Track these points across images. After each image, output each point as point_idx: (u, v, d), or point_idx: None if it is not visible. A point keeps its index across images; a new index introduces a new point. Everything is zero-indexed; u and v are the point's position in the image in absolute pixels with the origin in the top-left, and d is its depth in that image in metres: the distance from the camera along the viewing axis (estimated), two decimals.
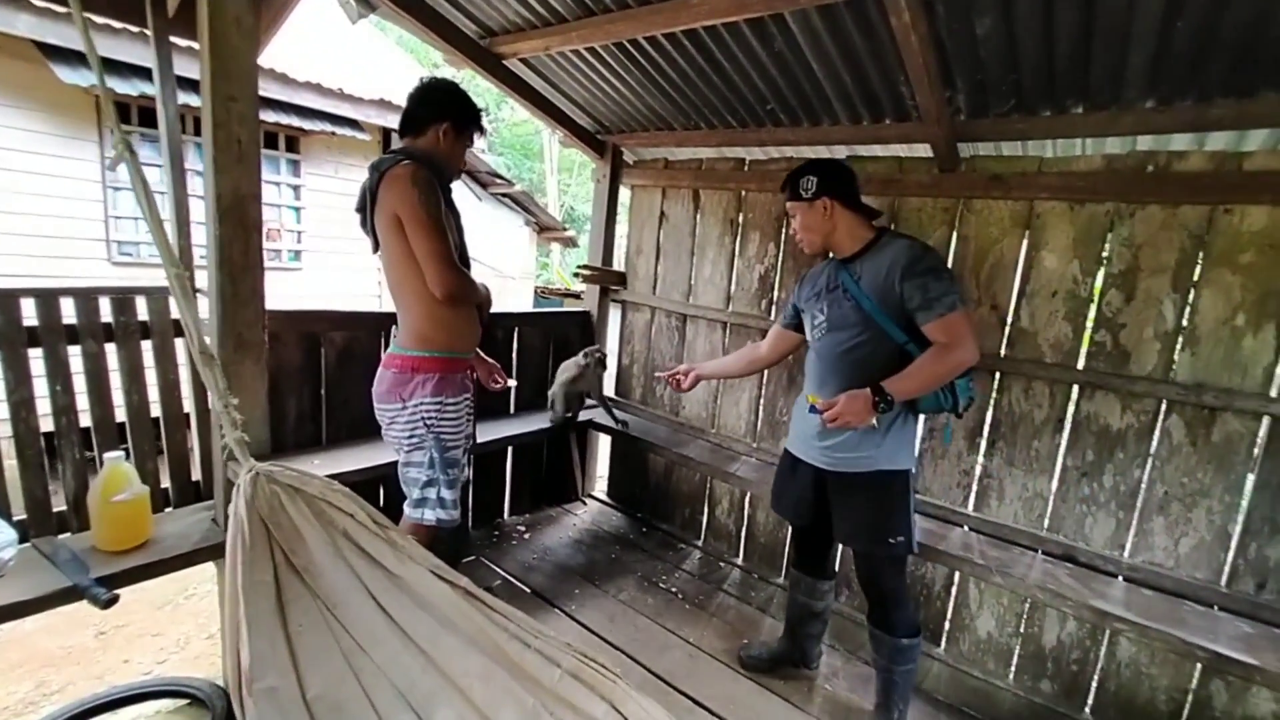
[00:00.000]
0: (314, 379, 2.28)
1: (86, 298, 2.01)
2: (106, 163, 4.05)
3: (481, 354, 2.16)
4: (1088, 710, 2.10)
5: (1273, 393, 1.76)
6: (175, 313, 2.25)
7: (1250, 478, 1.82)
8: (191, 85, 2.51)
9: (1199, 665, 1.88)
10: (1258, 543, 1.81)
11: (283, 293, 4.89)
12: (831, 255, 1.83)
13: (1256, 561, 1.81)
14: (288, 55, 4.54)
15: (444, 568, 1.29)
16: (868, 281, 1.68)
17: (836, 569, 2.10)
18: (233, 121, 1.73)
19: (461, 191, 1.97)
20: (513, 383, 2.29)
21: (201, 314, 2.15)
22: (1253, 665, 1.55)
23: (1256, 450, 1.81)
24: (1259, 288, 1.76)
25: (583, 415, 3.01)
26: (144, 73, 3.71)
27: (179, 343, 2.18)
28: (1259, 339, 1.77)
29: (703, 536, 3.12)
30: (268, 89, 4.34)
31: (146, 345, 2.13)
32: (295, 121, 4.63)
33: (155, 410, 2.19)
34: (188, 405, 2.25)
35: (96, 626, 2.30)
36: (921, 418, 1.86)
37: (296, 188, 5.14)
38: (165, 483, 2.20)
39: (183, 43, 2.16)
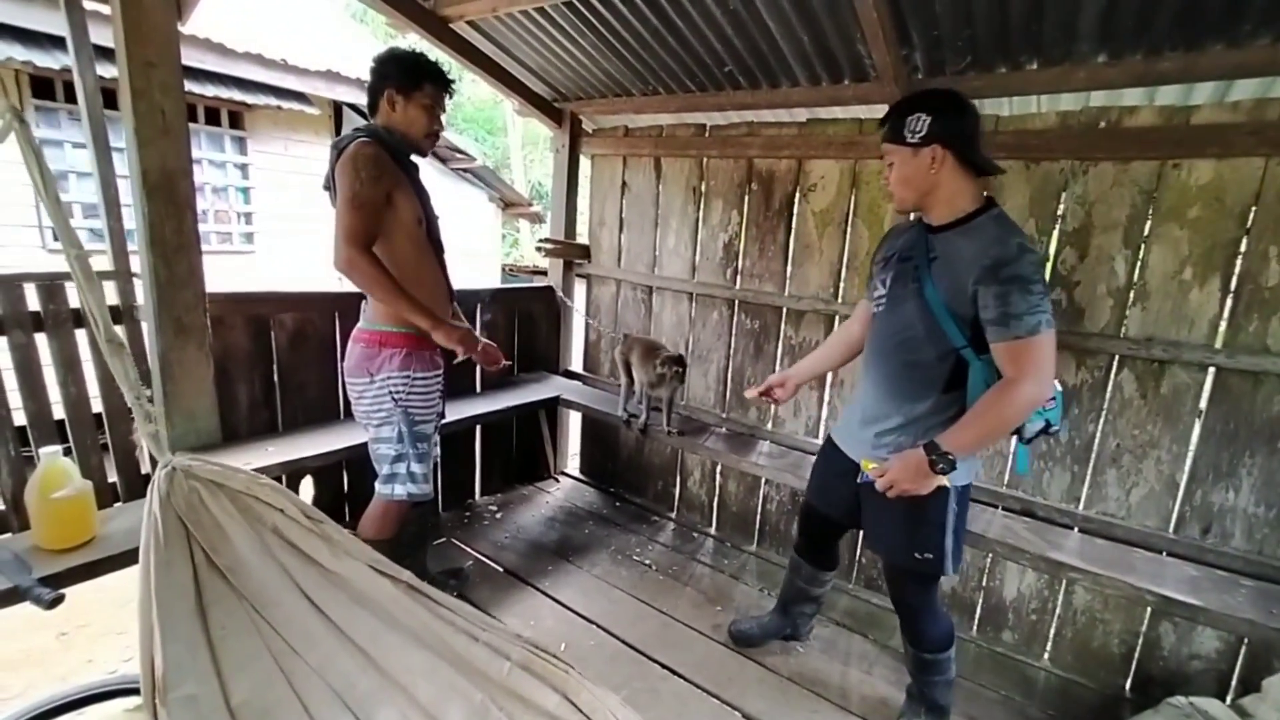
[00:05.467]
0: (265, 364, 2.20)
1: (10, 285, 1.89)
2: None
3: (479, 336, 2.21)
4: (1046, 657, 2.19)
5: (1217, 344, 1.81)
6: (115, 298, 2.16)
7: (1196, 427, 1.88)
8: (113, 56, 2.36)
9: (1149, 609, 1.96)
10: (1203, 490, 1.88)
11: (236, 277, 4.72)
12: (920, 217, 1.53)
13: (1202, 508, 1.88)
14: (225, 25, 4.28)
15: (384, 562, 1.23)
16: (941, 267, 1.40)
17: (839, 558, 2.03)
18: (154, 90, 1.63)
19: (424, 168, 1.87)
20: (507, 362, 2.28)
21: (138, 299, 2.06)
22: (1197, 606, 1.61)
23: (1202, 401, 1.86)
24: (1205, 241, 1.80)
25: (570, 396, 2.98)
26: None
27: (118, 330, 2.07)
28: (1205, 291, 1.81)
29: (676, 508, 3.14)
30: (204, 60, 4.10)
31: (81, 335, 2.03)
32: (237, 95, 4.40)
33: (97, 404, 2.09)
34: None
35: (57, 628, 2.22)
36: None
37: (244, 166, 4.91)
38: (112, 477, 2.11)
39: (105, 9, 2.02)
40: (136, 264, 2.02)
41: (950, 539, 1.51)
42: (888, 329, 1.54)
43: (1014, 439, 1.53)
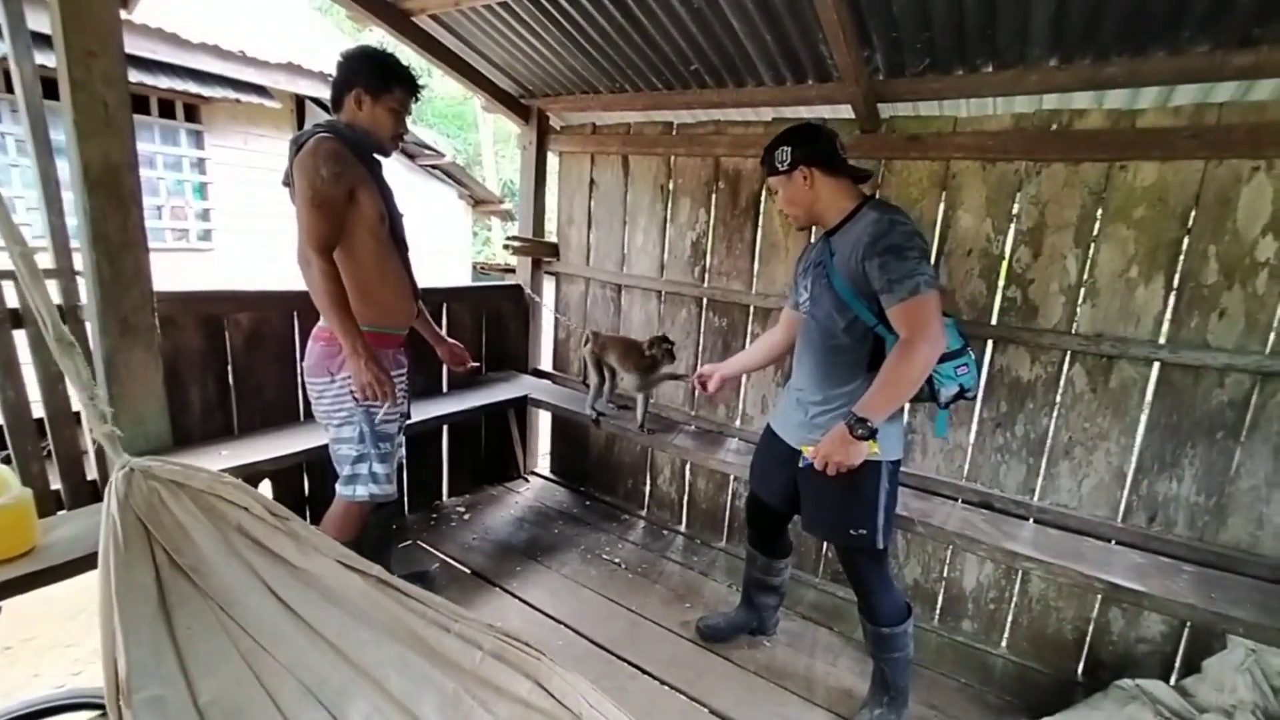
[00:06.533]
0: (219, 365, 2.13)
1: None
2: None
3: (444, 336, 2.23)
4: (1004, 645, 2.25)
5: (1161, 339, 1.88)
6: (58, 297, 2.06)
7: (1142, 420, 1.95)
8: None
9: (1099, 596, 2.03)
10: (1149, 480, 1.95)
11: (193, 276, 4.57)
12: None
13: (1148, 497, 1.96)
14: (180, 14, 4.14)
15: (353, 557, 1.23)
16: (839, 258, 1.57)
17: (793, 544, 2.10)
18: (95, 81, 1.56)
19: (390, 165, 1.85)
20: (474, 364, 2.25)
21: (82, 298, 1.98)
22: (1142, 592, 1.67)
23: (1148, 394, 1.94)
24: (1150, 241, 1.87)
25: (539, 395, 2.96)
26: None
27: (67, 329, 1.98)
28: (1149, 289, 1.88)
29: (646, 506, 3.14)
30: (156, 51, 3.96)
31: (20, 336, 1.93)
32: (193, 87, 4.26)
33: (39, 410, 2.00)
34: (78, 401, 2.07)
35: (0, 642, 2.13)
36: (907, 406, 1.74)
37: (201, 161, 4.75)
38: (56, 484, 2.03)
39: None
40: (80, 262, 1.94)
41: (882, 515, 1.64)
42: (814, 324, 1.69)
43: (934, 405, 1.67)
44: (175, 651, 1.08)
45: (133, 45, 3.70)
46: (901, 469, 2.29)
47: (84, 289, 1.89)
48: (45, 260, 2.11)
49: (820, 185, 1.61)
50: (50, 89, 2.12)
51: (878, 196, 1.63)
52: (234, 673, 1.12)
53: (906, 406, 1.77)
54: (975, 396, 1.79)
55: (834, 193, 1.61)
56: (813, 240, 1.85)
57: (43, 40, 2.00)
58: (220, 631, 1.14)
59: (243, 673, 1.12)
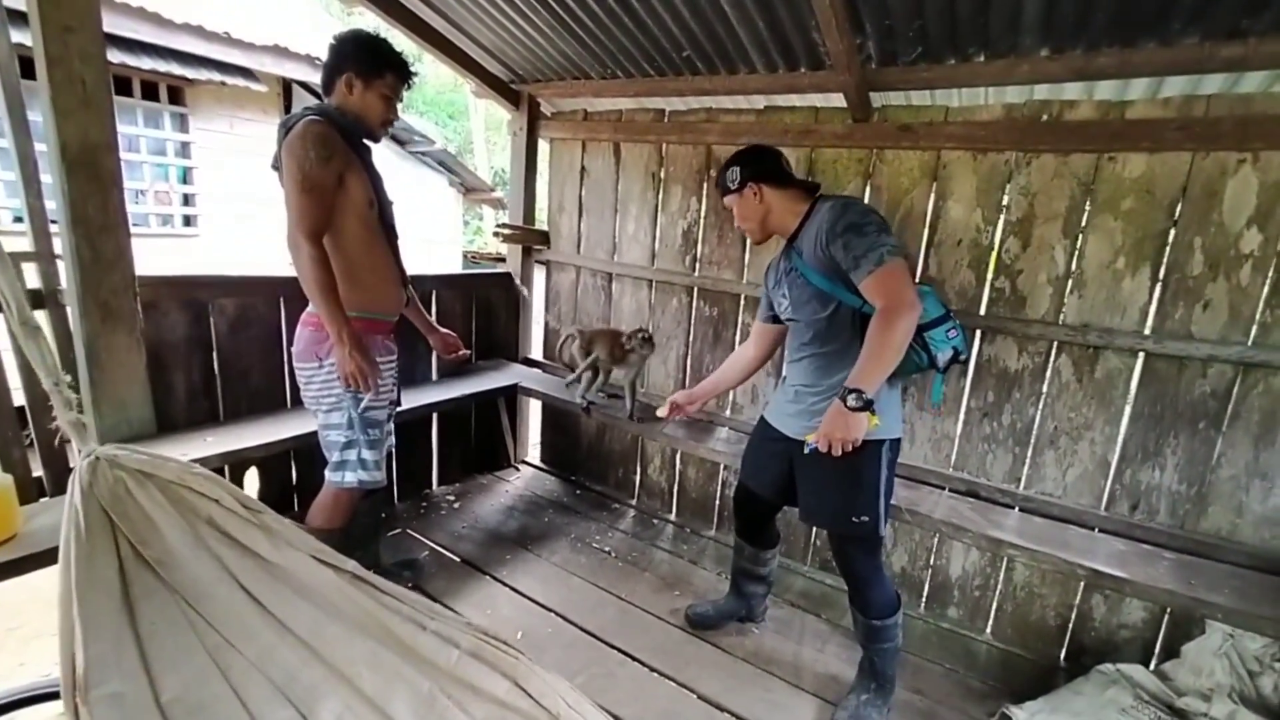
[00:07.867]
0: (204, 351, 2.10)
1: None
2: None
3: (436, 325, 2.22)
4: (988, 631, 2.28)
5: (1146, 330, 1.90)
6: (37, 282, 2.02)
7: (1127, 410, 1.97)
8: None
9: (1081, 583, 2.06)
10: (1132, 469, 1.97)
11: (178, 261, 4.51)
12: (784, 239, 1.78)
13: (1131, 486, 1.98)
14: None
15: (327, 552, 1.20)
16: (807, 254, 1.64)
17: (780, 534, 2.12)
18: (73, 57, 1.53)
19: (381, 152, 1.83)
20: (466, 352, 2.24)
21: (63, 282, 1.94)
22: (1124, 579, 1.70)
23: (1132, 384, 1.96)
24: (1137, 232, 1.88)
25: (529, 384, 2.94)
26: None
27: (39, 315, 1.95)
28: (1136, 280, 1.90)
29: (636, 495, 3.15)
30: (139, 30, 3.87)
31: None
32: (176, 69, 4.17)
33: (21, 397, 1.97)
34: None
35: None
36: (900, 386, 1.77)
37: (185, 144, 4.67)
38: (38, 471, 2.00)
39: None
40: (59, 245, 1.90)
41: (882, 501, 1.66)
42: (801, 326, 1.74)
43: (932, 371, 1.72)
44: (137, 647, 1.04)
45: (113, 24, 3.62)
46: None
47: (64, 272, 1.86)
48: (23, 243, 2.07)
49: (770, 198, 1.70)
50: (28, 69, 2.07)
51: (868, 190, 1.63)
52: (199, 669, 1.09)
53: (899, 387, 1.78)
54: (969, 358, 1.84)
55: (785, 201, 1.70)
56: (770, 262, 1.90)
57: (19, 17, 1.95)
58: (186, 627, 1.10)
59: (208, 669, 1.09)
